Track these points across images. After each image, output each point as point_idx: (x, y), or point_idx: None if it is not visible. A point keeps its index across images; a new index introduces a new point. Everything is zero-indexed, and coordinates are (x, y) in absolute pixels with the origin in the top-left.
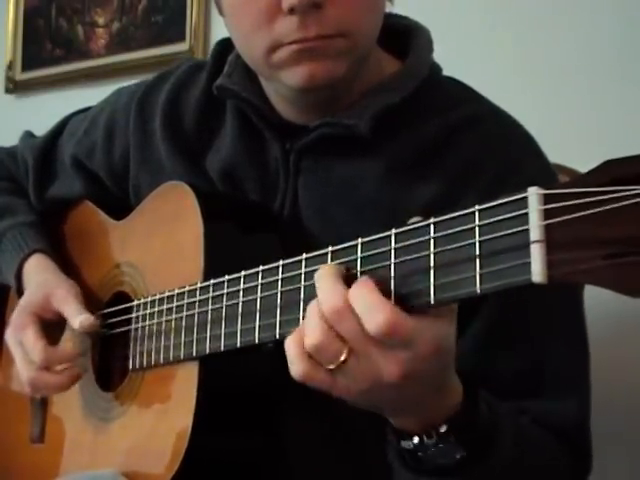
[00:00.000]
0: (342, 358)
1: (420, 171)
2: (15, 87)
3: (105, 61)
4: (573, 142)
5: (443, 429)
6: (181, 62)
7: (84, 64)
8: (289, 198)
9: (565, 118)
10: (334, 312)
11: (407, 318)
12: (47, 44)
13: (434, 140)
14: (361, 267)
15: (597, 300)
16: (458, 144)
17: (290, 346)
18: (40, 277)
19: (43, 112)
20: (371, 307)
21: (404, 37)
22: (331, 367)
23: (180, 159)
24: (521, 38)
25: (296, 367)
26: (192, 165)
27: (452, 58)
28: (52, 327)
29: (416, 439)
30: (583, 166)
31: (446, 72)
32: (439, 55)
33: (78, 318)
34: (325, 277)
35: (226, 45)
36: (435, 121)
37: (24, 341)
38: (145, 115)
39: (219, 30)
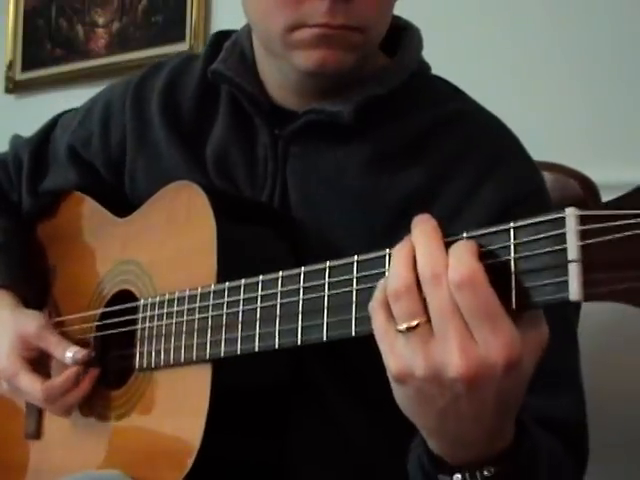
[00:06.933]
0: (415, 322)
1: (404, 161)
2: (15, 87)
3: (105, 61)
4: (572, 142)
5: (487, 472)
6: (175, 54)
7: (84, 64)
8: (278, 185)
9: (563, 118)
10: (433, 276)
11: (493, 294)
12: (47, 44)
13: (419, 132)
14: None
15: (596, 305)
16: (442, 137)
17: (377, 290)
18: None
19: (43, 112)
20: (461, 260)
21: (395, 35)
22: (401, 328)
23: (178, 145)
24: (519, 38)
25: (374, 317)
26: (189, 152)
27: (448, 58)
28: (39, 358)
29: (458, 477)
30: (582, 165)
31: (441, 72)
32: (435, 55)
33: (67, 352)
34: (431, 236)
35: (223, 36)
36: (421, 114)
37: (21, 387)
38: (141, 102)
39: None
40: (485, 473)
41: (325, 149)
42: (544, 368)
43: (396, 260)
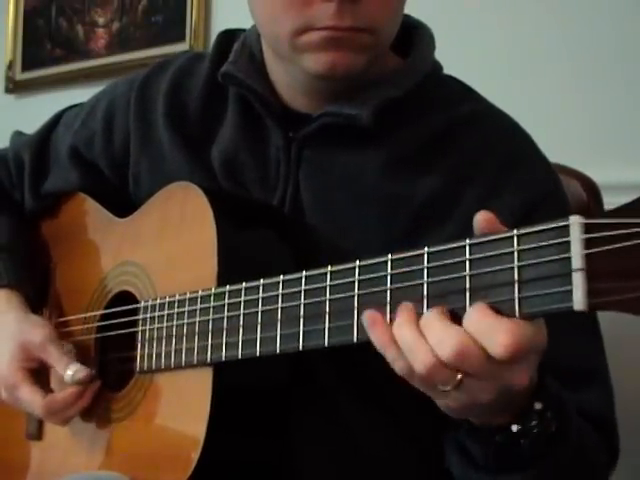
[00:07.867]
0: (458, 377)
1: (421, 165)
2: (15, 87)
3: (105, 61)
4: (572, 142)
5: (539, 406)
6: (179, 53)
7: (84, 64)
8: (291, 187)
9: (564, 118)
10: (457, 355)
11: (526, 327)
12: (47, 44)
13: (434, 134)
14: (391, 284)
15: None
16: (459, 140)
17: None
18: (4, 324)
19: (43, 112)
20: (491, 330)
21: (407, 35)
22: (447, 389)
23: (182, 147)
24: (520, 38)
25: (419, 387)
26: (194, 154)
27: (448, 57)
28: (40, 367)
29: (515, 427)
30: (582, 166)
31: (445, 71)
32: (436, 54)
33: (68, 371)
34: (435, 321)
35: (228, 36)
36: (437, 116)
37: (21, 399)
38: (146, 103)
39: (219, 30)
40: (536, 408)
41: (340, 152)
42: (576, 365)
43: (410, 344)
